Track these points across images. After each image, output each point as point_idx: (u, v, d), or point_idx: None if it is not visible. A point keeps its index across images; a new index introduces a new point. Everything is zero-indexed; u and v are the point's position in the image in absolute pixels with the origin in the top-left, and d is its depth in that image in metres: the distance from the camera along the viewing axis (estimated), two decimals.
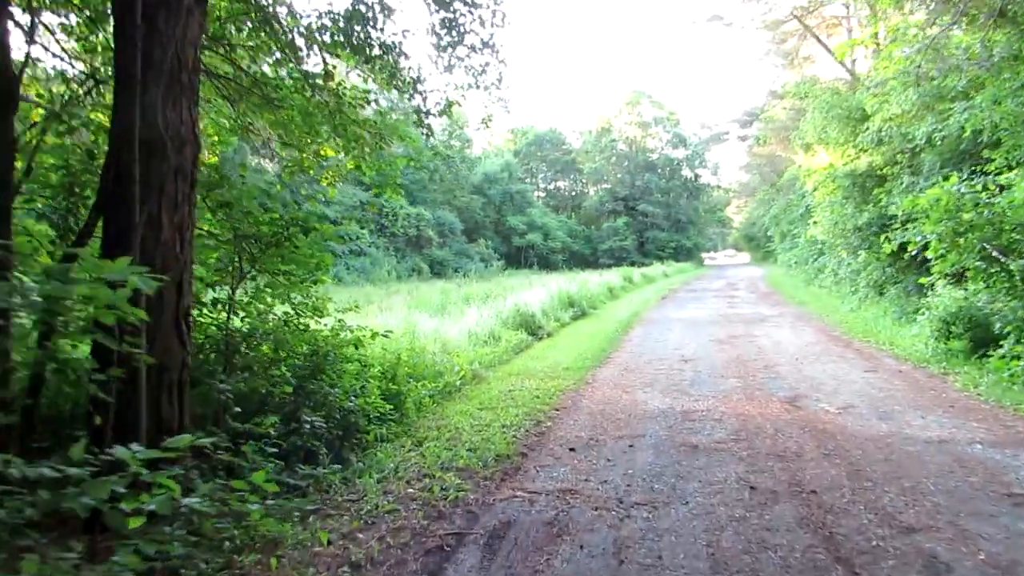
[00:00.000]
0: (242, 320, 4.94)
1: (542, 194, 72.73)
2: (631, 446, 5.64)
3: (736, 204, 77.77)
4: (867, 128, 13.95)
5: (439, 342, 9.88)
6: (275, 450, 4.16)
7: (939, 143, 11.79)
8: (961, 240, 8.31)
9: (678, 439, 5.84)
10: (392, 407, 6.01)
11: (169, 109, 3.96)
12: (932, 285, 10.46)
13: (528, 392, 7.83)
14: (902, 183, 13.24)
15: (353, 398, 5.31)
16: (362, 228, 48.44)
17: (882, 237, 10.81)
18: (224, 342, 4.58)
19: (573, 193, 74.41)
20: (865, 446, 5.51)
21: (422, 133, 6.16)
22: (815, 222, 20.88)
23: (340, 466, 4.66)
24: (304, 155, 5.59)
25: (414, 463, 5.07)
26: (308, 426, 4.46)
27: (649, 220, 64.30)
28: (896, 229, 10.36)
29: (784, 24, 26.43)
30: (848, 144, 15.62)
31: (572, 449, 5.56)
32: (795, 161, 25.35)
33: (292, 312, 5.56)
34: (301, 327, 5.59)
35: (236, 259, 4.96)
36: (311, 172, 5.63)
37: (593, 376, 9.05)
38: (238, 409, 4.07)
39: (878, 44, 13.88)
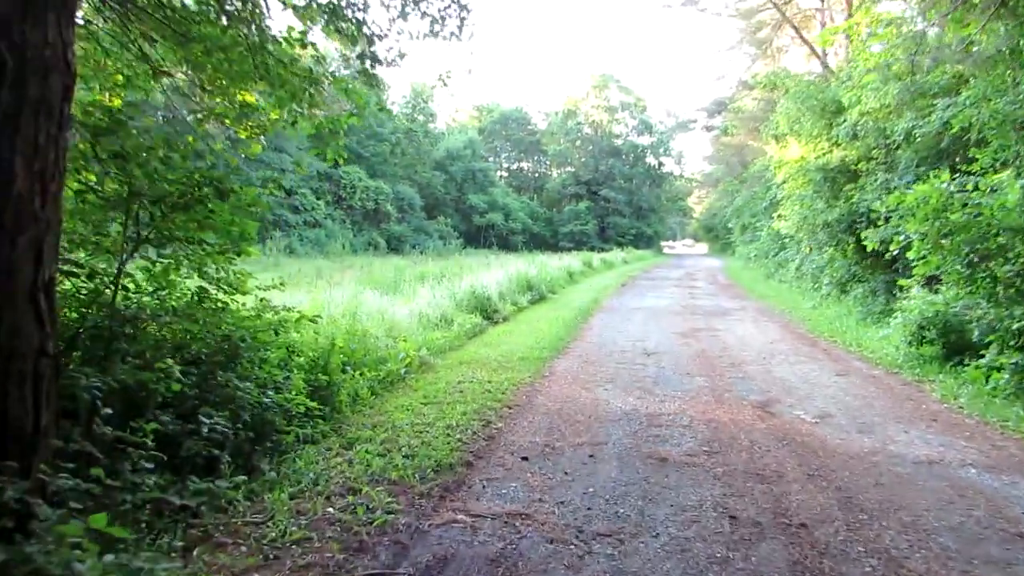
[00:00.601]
0: (131, 297, 4.07)
1: (505, 174, 71.90)
2: (592, 456, 4.97)
3: (698, 194, 78.17)
4: (843, 121, 13.48)
5: (386, 324, 9.08)
6: (153, 464, 3.33)
7: (918, 140, 11.36)
8: (945, 242, 7.82)
9: (644, 449, 5.18)
10: (319, 403, 5.21)
11: (28, 25, 3.07)
12: (906, 288, 10.04)
13: (479, 385, 7.10)
14: (876, 180, 12.83)
15: (271, 392, 4.48)
16: (318, 199, 47.03)
17: (862, 234, 10.34)
18: (108, 324, 3.71)
19: (536, 175, 73.70)
20: (851, 466, 4.94)
21: (369, 85, 5.30)
22: (780, 216, 20.54)
23: (247, 477, 3.85)
24: (221, 100, 4.67)
25: (339, 473, 4.29)
26: (206, 429, 3.64)
27: (611, 206, 64.04)
28: (879, 226, 9.86)
29: (759, 13, 25.97)
30: (821, 137, 15.18)
31: (525, 458, 4.85)
32: (764, 152, 25.00)
33: (205, 288, 4.71)
34: (218, 306, 4.75)
35: (131, 222, 4.07)
36: (228, 123, 4.74)
37: (550, 368, 8.37)
38: (109, 410, 3.22)
39: (858, 35, 13.37)
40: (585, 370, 8.35)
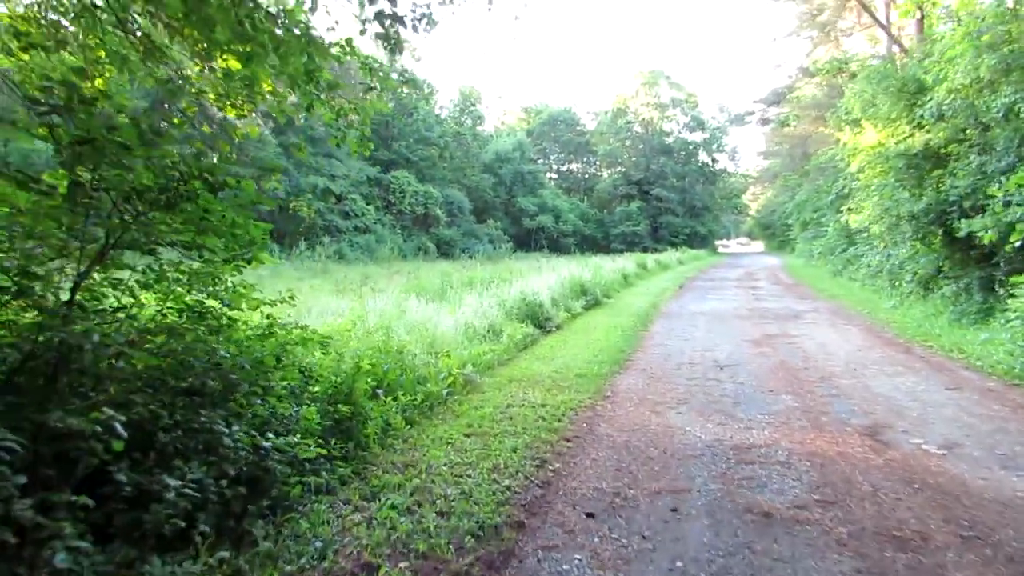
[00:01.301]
0: (91, 318, 3.24)
1: (554, 175, 70.91)
2: (675, 510, 3.95)
3: (752, 191, 75.73)
4: (928, 101, 12.06)
5: (427, 337, 8.21)
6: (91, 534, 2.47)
7: (1023, 115, 9.93)
8: None
9: (739, 498, 4.14)
10: (341, 439, 4.33)
11: None
12: (1018, 284, 8.67)
13: (531, 409, 6.14)
14: (970, 163, 11.38)
15: (271, 435, 3.60)
16: (368, 204, 46.90)
17: (955, 224, 8.95)
18: (55, 353, 2.89)
19: (586, 175, 72.46)
20: (1013, 519, 3.81)
21: (390, 51, 4.40)
22: (850, 209, 19.06)
23: (233, 551, 2.98)
24: (199, 66, 3.80)
25: (353, 539, 3.37)
26: (173, 492, 2.77)
27: (663, 205, 62.37)
28: (996, 212, 8.45)
29: None
30: (901, 120, 13.73)
31: (590, 515, 3.86)
32: (831, 141, 23.38)
33: (194, 305, 3.89)
34: (213, 326, 3.91)
35: (98, 223, 3.25)
36: (212, 99, 3.88)
37: (612, 387, 7.35)
38: (23, 478, 2.37)
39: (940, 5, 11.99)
40: (652, 388, 7.31)
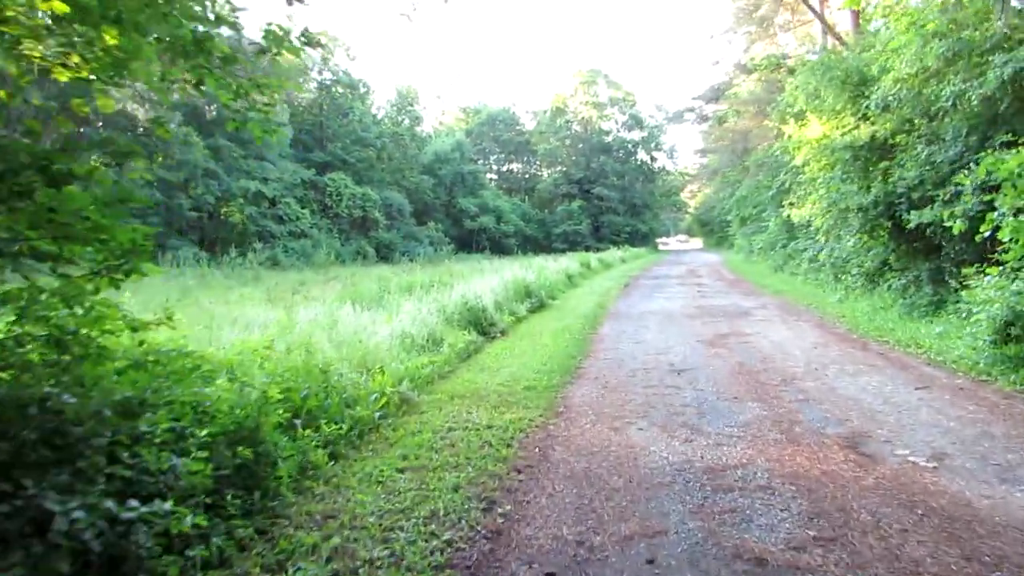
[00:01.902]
0: None
1: (495, 176, 70.28)
2: (651, 561, 3.26)
3: (690, 189, 76.69)
4: (877, 89, 11.83)
5: (359, 351, 7.37)
6: None
7: (974, 103, 9.70)
8: None
9: (724, 539, 3.49)
10: (242, 490, 3.51)
11: None
12: (981, 274, 8.36)
13: (475, 433, 5.38)
14: (917, 154, 11.17)
15: (134, 502, 2.76)
16: (303, 208, 45.24)
17: (946, 213, 8.61)
18: None
19: (527, 175, 72.09)
20: None
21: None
22: (792, 203, 18.94)
23: None
24: (13, 10, 2.86)
25: None
26: None
27: (604, 204, 62.51)
28: (964, 200, 8.08)
29: None
30: (846, 112, 13.52)
31: (551, 575, 3.15)
32: (771, 136, 23.36)
33: (49, 331, 3.02)
34: (51, 360, 3.05)
35: None
36: (35, 56, 2.98)
37: (565, 400, 6.67)
38: None
39: None
40: (608, 400, 6.66)
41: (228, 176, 39.82)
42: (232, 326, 9.56)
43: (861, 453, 4.89)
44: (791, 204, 18.91)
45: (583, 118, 65.60)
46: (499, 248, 53.60)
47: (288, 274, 31.38)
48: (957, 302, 9.78)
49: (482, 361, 8.88)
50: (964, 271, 9.08)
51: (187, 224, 37.89)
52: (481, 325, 11.10)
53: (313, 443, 4.57)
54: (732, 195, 36.69)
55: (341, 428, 5.10)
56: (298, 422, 4.76)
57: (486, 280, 15.30)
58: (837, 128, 13.64)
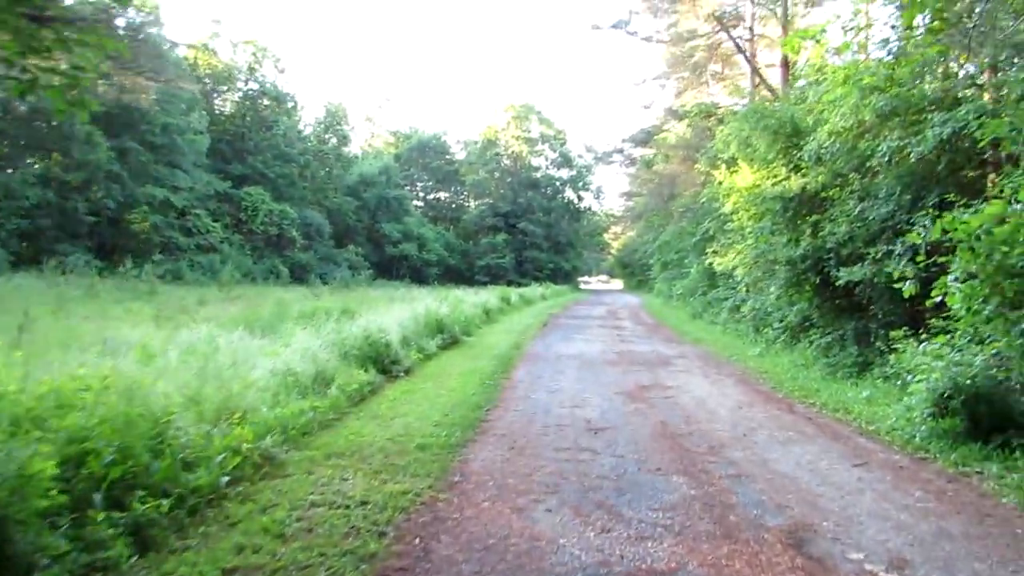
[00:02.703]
0: None
1: (421, 203, 69.17)
2: None
3: (614, 230, 77.59)
4: (812, 140, 11.54)
5: (222, 392, 6.12)
6: None
7: (911, 160, 9.42)
8: (1007, 283, 5.66)
9: None
10: None
11: None
12: (912, 339, 7.89)
13: (342, 513, 4.25)
14: (850, 209, 10.84)
15: None
16: (215, 221, 42.70)
17: (896, 273, 8.08)
18: None
19: (453, 205, 71.31)
20: None
21: None
22: (715, 252, 18.72)
23: None
24: None
25: None
26: None
27: (529, 239, 62.31)
28: (918, 263, 7.55)
29: (691, 40, 24.50)
30: (778, 161, 13.25)
31: None
32: (696, 183, 23.31)
33: None
34: None
35: None
36: None
37: (462, 465, 5.62)
38: None
39: (826, 45, 11.57)
40: (513, 466, 5.65)
41: (134, 181, 37.13)
42: (88, 351, 8.07)
43: (809, 556, 4.05)
44: (714, 252, 18.67)
45: (513, 152, 65.53)
46: (420, 277, 52.33)
47: (191, 289, 29.26)
48: (883, 365, 9.36)
49: (376, 407, 7.75)
50: (892, 333, 8.66)
51: (83, 229, 34.94)
52: (383, 363, 9.96)
53: (110, 532, 3.35)
54: (655, 239, 36.87)
55: (164, 504, 3.89)
56: (97, 498, 3.55)
57: (396, 311, 14.15)
58: (768, 178, 13.35)
